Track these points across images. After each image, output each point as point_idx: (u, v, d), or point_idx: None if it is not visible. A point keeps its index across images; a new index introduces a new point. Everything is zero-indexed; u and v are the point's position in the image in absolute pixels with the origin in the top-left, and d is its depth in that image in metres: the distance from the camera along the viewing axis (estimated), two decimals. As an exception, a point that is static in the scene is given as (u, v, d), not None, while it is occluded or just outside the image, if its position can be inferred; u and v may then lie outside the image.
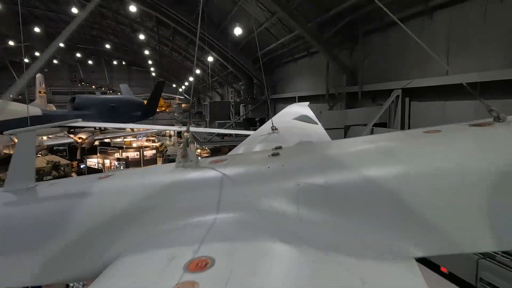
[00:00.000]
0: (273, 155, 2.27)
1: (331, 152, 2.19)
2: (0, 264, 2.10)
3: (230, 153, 3.97)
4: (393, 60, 13.42)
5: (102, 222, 2.01)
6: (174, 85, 75.70)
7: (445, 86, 10.76)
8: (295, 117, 6.26)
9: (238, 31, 22.05)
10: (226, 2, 22.46)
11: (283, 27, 20.15)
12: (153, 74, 75.73)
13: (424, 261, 11.07)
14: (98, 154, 34.03)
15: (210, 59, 34.64)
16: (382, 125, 13.07)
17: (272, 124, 4.82)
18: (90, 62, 73.09)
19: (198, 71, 48.19)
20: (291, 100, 23.91)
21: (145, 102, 33.29)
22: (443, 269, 10.26)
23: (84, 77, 69.30)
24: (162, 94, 55.35)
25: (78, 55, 67.11)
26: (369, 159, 1.99)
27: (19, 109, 21.46)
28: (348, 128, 14.77)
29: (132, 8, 30.27)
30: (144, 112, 31.46)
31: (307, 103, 10.02)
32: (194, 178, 2.14)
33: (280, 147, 2.50)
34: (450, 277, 9.97)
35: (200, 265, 1.44)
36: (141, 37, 44.30)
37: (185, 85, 71.85)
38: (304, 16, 15.83)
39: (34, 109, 22.50)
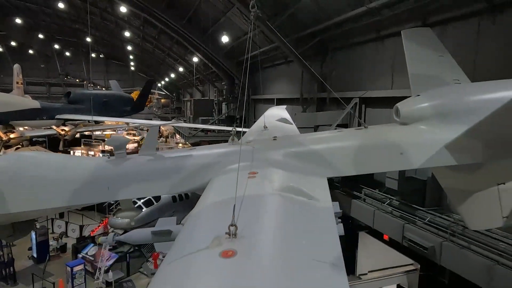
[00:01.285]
0: (274, 139, 5.19)
1: (300, 138, 5.14)
2: (147, 187, 4.90)
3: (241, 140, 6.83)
4: (354, 74, 16.68)
5: (191, 170, 4.82)
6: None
7: (391, 97, 14.03)
8: (277, 119, 9.23)
9: (225, 39, 24.71)
10: (215, 11, 25.01)
11: (265, 37, 23.01)
12: (132, 68, 76.49)
13: (371, 233, 14.41)
14: (82, 146, 35.79)
15: (195, 59, 37.03)
16: (344, 125, 16.26)
17: (264, 124, 7.74)
18: (67, 53, 72.51)
19: (181, 69, 50.28)
20: (270, 101, 26.95)
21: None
22: (385, 237, 13.64)
23: (61, 68, 68.79)
24: (140, 88, 56.99)
25: (56, 46, 66.68)
26: (317, 140, 4.95)
27: (19, 102, 23.19)
28: (317, 128, 17.90)
29: (123, 9, 32.10)
30: (134, 107, 33.50)
31: (285, 106, 13.24)
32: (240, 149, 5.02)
33: (276, 137, 5.41)
34: (390, 241, 13.36)
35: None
36: (125, 33, 45.62)
37: (165, 81, 73.30)
38: (284, 31, 18.82)
39: (33, 102, 24.17)
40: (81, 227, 20.24)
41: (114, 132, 39.23)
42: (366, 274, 14.76)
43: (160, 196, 19.24)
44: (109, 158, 5.26)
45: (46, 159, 5.40)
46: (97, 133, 37.66)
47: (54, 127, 27.14)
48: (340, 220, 4.11)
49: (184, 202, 20.13)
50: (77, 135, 30.59)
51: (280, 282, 2.25)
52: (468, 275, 9.33)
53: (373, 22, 14.33)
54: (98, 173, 4.97)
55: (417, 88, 5.91)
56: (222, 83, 35.63)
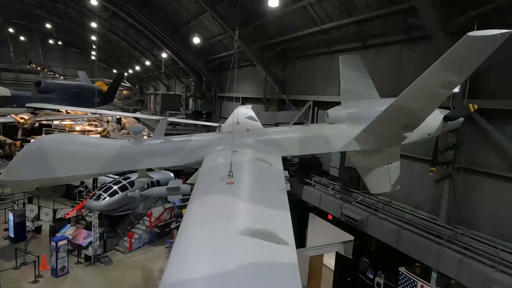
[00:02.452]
0: (247, 130, 7.73)
1: (265, 130, 7.75)
2: (160, 160, 7.27)
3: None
4: (309, 80, 19.64)
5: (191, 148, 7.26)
6: (115, 71, 75.91)
7: (338, 102, 17.09)
8: (245, 117, 11.78)
9: (196, 40, 26.72)
10: (187, 13, 26.85)
11: (232, 41, 25.35)
12: (93, 58, 74.92)
13: (318, 213, 17.46)
14: (43, 135, 35.92)
15: (164, 55, 38.38)
16: (300, 123, 19.14)
17: (237, 121, 10.25)
18: (22, 38, 69.17)
19: (147, 63, 50.98)
20: (236, 99, 29.35)
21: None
22: (329, 216, 16.71)
23: (15, 55, 65.55)
24: (104, 79, 56.77)
25: (11, 30, 63.65)
26: (276, 132, 7.58)
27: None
28: (277, 125, 20.68)
29: (94, 2, 32.74)
30: (103, 99, 34.28)
31: (251, 106, 15.94)
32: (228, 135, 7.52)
33: (248, 129, 7.96)
34: (332, 220, 16.41)
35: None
36: (90, 23, 45.47)
37: (128, 73, 72.73)
38: (251, 39, 21.34)
39: (3, 90, 24.59)
40: (54, 211, 21.44)
41: (74, 122, 39.57)
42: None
43: (133, 183, 21.06)
44: (129, 140, 7.55)
45: (83, 139, 7.62)
46: (56, 122, 37.87)
47: (13, 115, 27.38)
48: (288, 181, 6.75)
49: (155, 189, 21.99)
50: (36, 124, 30.96)
51: (256, 196, 4.82)
52: (384, 239, 12.52)
53: (325, 39, 17.30)
54: (123, 150, 7.26)
55: (344, 99, 8.76)
56: (190, 79, 37.38)
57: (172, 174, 23.94)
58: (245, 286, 3.00)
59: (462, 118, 8.40)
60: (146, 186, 21.46)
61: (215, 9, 21.37)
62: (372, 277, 14.43)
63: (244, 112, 12.54)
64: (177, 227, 20.19)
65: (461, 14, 10.26)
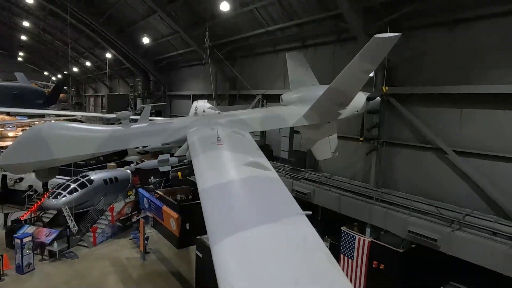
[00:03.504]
0: (219, 113, 9.51)
1: (234, 112, 9.60)
2: (147, 140, 8.78)
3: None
4: (257, 76, 21.77)
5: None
6: (46, 73, 71.50)
7: (283, 95, 19.41)
8: (207, 108, 13.47)
9: (145, 40, 27.44)
10: (134, 14, 27.41)
11: (182, 41, 26.61)
12: (20, 59, 69.70)
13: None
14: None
15: (108, 55, 37.98)
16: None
17: (204, 109, 11.94)
18: None
19: (88, 63, 49.37)
20: (187, 97, 30.57)
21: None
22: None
23: None
24: (38, 82, 53.59)
25: None
26: (242, 113, 9.46)
27: None
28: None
29: (29, 0, 31.56)
30: (46, 101, 33.04)
31: (206, 100, 17.55)
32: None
33: (220, 112, 9.73)
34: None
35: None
36: (22, 22, 43.08)
37: (63, 75, 68.89)
38: (203, 39, 22.85)
39: None
40: (6, 215, 20.94)
41: (3, 128, 37.48)
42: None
43: (93, 180, 21.48)
44: (119, 124, 8.91)
45: (78, 125, 8.83)
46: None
47: None
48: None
49: (114, 185, 22.67)
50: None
51: (242, 149, 6.68)
52: (329, 205, 15.05)
53: (270, 39, 19.55)
54: (115, 133, 8.64)
55: (293, 87, 10.92)
56: (137, 79, 37.52)
57: (129, 171, 24.60)
58: (250, 186, 4.89)
59: (379, 98, 11.06)
60: (105, 183, 22.00)
61: (166, 10, 22.44)
62: (320, 242, 17.02)
63: (203, 105, 14.22)
64: (138, 221, 21.11)
65: (377, 20, 13.05)
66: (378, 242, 13.19)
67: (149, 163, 8.63)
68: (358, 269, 13.79)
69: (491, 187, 11.13)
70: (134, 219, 21.58)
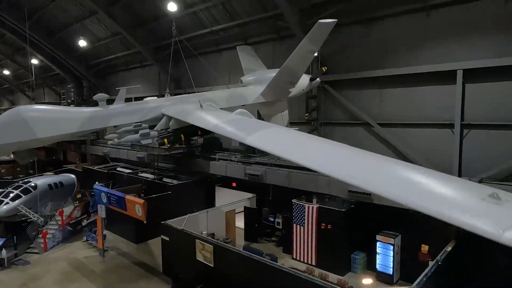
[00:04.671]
0: (186, 93, 10.78)
1: (201, 93, 10.94)
2: (126, 118, 9.76)
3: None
4: (203, 75, 23.09)
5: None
6: None
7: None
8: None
9: (82, 43, 26.92)
10: (67, 16, 26.70)
11: (122, 44, 26.73)
12: None
13: (223, 185, 21.04)
14: None
15: (34, 61, 35.67)
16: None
17: (167, 94, 12.99)
18: None
19: (6, 72, 45.34)
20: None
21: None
22: (233, 184, 20.44)
23: None
24: None
25: None
26: (212, 93, 10.86)
27: None
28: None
29: None
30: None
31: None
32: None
33: (190, 93, 10.98)
34: (237, 187, 20.16)
35: None
36: None
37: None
38: (146, 40, 23.52)
39: None
40: None
41: None
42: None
43: (36, 185, 20.64)
44: (98, 105, 9.74)
45: (58, 107, 9.48)
46: None
47: None
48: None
49: (60, 190, 22.00)
50: None
51: (222, 112, 8.15)
52: (279, 182, 16.93)
53: (213, 39, 21.10)
54: (95, 113, 9.47)
55: (246, 73, 12.63)
56: (68, 86, 35.87)
57: (73, 176, 23.96)
58: (245, 120, 6.48)
59: (319, 80, 13.35)
60: (50, 188, 21.25)
61: (108, 11, 22.53)
62: (273, 219, 18.86)
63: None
64: (88, 224, 20.79)
65: (310, 19, 15.47)
66: (324, 206, 15.43)
67: (131, 138, 9.53)
68: (310, 233, 15.87)
69: (405, 147, 14.09)
70: (84, 222, 21.14)
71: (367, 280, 13.30)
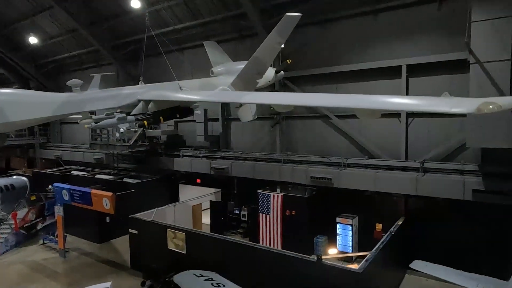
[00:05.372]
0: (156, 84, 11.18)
1: (173, 82, 11.39)
2: (102, 103, 9.97)
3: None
4: (165, 74, 23.17)
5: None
6: None
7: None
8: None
9: (33, 40, 25.65)
10: (15, 12, 25.32)
11: (77, 42, 25.92)
12: None
13: (186, 182, 21.23)
14: None
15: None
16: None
17: (141, 82, 13.17)
18: None
19: None
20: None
21: None
22: (198, 180, 20.72)
23: None
24: None
25: None
26: (183, 82, 11.35)
27: None
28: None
29: None
30: None
31: None
32: None
33: (161, 83, 11.37)
34: (201, 183, 20.46)
35: None
36: None
37: None
38: (103, 38, 23.12)
39: None
40: None
41: None
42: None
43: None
44: (72, 91, 9.85)
45: (31, 91, 9.46)
46: None
47: None
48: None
49: (10, 193, 20.84)
50: None
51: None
52: (244, 174, 17.66)
53: (175, 38, 21.40)
54: (70, 98, 9.59)
55: (215, 65, 13.27)
56: (14, 87, 33.63)
57: (25, 178, 22.74)
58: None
59: (283, 72, 14.38)
60: (0, 191, 20.04)
61: (63, 7, 21.82)
62: (238, 212, 19.45)
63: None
64: (44, 228, 19.86)
65: (272, 18, 16.54)
66: (288, 194, 16.39)
67: (108, 122, 9.68)
68: (275, 220, 16.69)
69: (360, 136, 15.58)
70: (40, 226, 20.10)
71: (333, 250, 14.42)
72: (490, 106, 4.41)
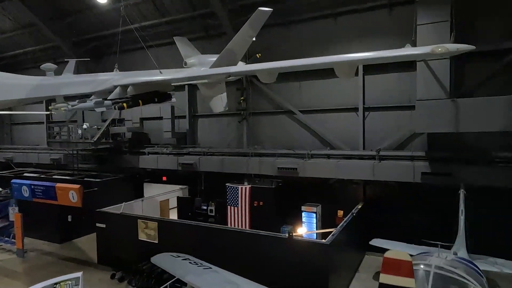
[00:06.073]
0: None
1: (145, 71, 11.67)
2: (77, 88, 10.07)
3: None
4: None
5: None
6: None
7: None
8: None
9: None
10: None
11: (31, 37, 24.82)
12: None
13: (151, 180, 21.12)
14: None
15: None
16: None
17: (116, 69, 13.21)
18: None
19: None
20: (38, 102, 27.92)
21: None
22: (164, 178, 20.69)
23: None
24: None
25: None
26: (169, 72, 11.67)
27: None
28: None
29: None
30: None
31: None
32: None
33: (135, 72, 11.60)
34: (167, 180, 20.46)
35: None
36: None
37: None
38: (63, 34, 22.46)
39: None
40: None
41: None
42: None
43: None
44: (46, 75, 9.87)
45: (4, 73, 9.38)
46: None
47: None
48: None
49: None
50: None
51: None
52: (213, 169, 18.07)
53: (141, 36, 21.39)
54: (44, 81, 9.62)
55: (187, 58, 13.70)
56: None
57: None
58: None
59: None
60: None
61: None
62: (206, 208, 19.71)
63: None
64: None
65: (239, 18, 17.30)
66: (256, 186, 17.06)
67: (85, 105, 9.74)
68: (243, 212, 17.26)
69: (322, 129, 16.75)
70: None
71: (302, 229, 15.23)
72: (440, 49, 5.42)
